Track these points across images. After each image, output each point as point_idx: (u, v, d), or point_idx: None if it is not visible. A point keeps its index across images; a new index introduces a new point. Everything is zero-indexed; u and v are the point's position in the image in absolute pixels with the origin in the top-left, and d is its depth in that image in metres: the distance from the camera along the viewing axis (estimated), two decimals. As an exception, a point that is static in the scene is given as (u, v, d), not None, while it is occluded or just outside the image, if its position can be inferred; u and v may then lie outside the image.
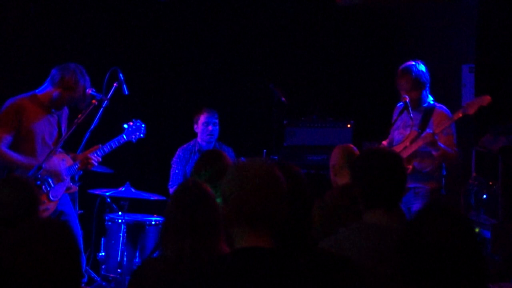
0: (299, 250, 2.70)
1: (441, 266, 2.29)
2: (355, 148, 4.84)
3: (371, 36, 7.92)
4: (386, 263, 3.01)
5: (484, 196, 6.28)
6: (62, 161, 5.62)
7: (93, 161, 5.68)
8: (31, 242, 2.25)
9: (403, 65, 5.84)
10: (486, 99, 5.62)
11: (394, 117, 6.07)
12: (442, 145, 5.67)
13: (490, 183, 6.25)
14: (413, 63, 5.82)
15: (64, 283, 2.25)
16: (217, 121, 6.73)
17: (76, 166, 5.66)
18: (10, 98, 5.55)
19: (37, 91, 5.59)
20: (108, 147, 5.78)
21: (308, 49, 7.98)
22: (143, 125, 6.07)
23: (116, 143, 5.85)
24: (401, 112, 5.93)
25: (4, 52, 7.10)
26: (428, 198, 5.73)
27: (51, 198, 5.52)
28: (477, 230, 6.07)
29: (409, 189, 5.68)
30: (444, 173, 5.93)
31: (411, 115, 5.70)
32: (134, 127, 6.02)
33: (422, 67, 5.80)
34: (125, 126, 5.98)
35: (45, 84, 5.59)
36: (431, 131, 5.58)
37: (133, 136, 6.00)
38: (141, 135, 6.06)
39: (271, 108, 6.82)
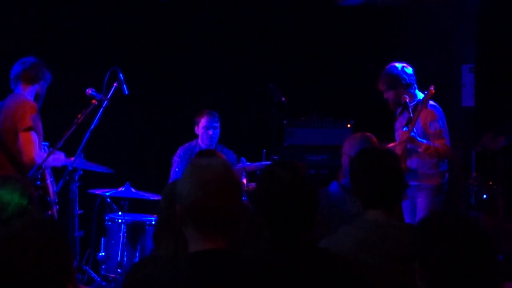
0: (293, 249, 2.68)
1: (452, 267, 2.27)
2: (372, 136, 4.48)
3: (371, 36, 7.92)
4: (387, 259, 3.01)
5: (484, 196, 6.29)
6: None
7: None
8: (21, 239, 2.25)
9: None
10: (430, 91, 5.63)
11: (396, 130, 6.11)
12: (424, 141, 5.68)
13: (490, 183, 6.26)
14: (395, 64, 5.88)
15: (54, 281, 2.24)
16: (217, 124, 6.71)
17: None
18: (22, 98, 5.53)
19: (19, 90, 5.57)
20: None
21: (308, 49, 7.97)
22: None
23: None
24: (401, 112, 5.94)
25: (4, 52, 7.10)
26: (432, 193, 5.76)
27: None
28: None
29: (413, 185, 5.70)
30: (446, 168, 5.93)
31: (411, 115, 5.72)
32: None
33: (401, 69, 5.84)
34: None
35: (20, 83, 5.58)
36: (407, 129, 5.60)
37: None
38: None
39: (271, 108, 6.81)
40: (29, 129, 5.38)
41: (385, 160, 3.22)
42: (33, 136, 5.39)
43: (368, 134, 4.47)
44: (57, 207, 5.64)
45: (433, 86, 5.63)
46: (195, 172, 2.43)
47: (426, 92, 5.70)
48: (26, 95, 5.55)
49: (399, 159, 3.29)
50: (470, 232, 2.27)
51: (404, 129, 5.64)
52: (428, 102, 5.63)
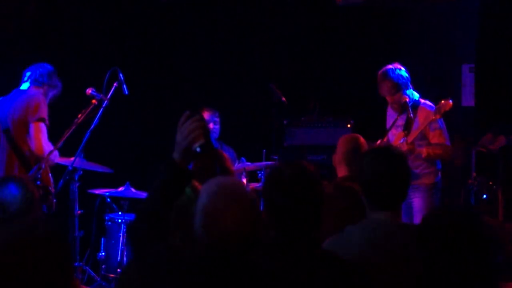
0: (297, 251, 2.67)
1: (451, 264, 2.28)
2: (361, 139, 4.63)
3: (371, 36, 7.92)
4: (393, 258, 3.01)
5: (484, 196, 6.29)
6: None
7: None
8: (23, 239, 2.25)
9: (381, 72, 5.92)
10: (448, 104, 5.62)
11: (388, 119, 6.11)
12: (423, 148, 5.70)
13: (490, 183, 6.26)
14: (391, 67, 5.89)
15: (54, 282, 2.24)
16: (218, 119, 6.76)
17: None
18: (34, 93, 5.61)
19: (27, 89, 5.62)
20: None
21: (308, 49, 7.97)
22: None
23: None
24: (401, 112, 5.95)
25: (4, 52, 7.10)
26: (426, 193, 5.78)
27: None
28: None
29: None
30: (440, 166, 5.96)
31: (411, 115, 5.73)
32: None
33: (398, 70, 5.86)
34: None
35: (30, 83, 5.64)
36: (404, 140, 5.62)
37: None
38: None
39: (271, 108, 6.81)
40: (41, 120, 5.50)
41: (395, 162, 3.21)
42: (44, 127, 5.51)
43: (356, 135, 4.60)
44: (55, 200, 5.63)
45: (451, 100, 5.61)
46: (214, 216, 2.40)
47: (436, 104, 5.70)
48: (33, 94, 5.61)
49: (406, 160, 3.29)
50: (473, 230, 2.29)
51: (402, 140, 5.66)
52: (442, 114, 5.64)
